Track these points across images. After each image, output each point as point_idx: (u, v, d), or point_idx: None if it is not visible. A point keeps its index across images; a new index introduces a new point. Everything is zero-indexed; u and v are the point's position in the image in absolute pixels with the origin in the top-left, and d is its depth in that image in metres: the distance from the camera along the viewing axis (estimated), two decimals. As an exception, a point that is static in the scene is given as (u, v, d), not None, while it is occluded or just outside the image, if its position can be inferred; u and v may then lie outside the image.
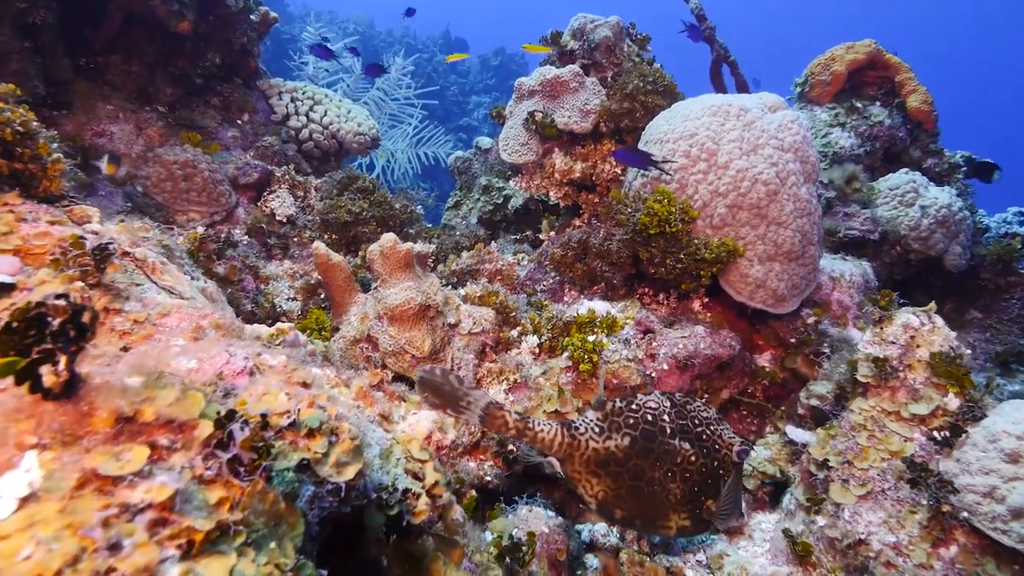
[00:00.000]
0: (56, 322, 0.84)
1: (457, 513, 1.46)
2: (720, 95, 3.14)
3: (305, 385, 1.21)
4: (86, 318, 0.87)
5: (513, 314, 2.84)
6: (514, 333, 2.81)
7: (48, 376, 0.84)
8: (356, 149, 4.97)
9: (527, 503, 2.14)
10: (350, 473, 1.07)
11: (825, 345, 2.96)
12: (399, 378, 2.53)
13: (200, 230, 3.48)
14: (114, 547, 0.74)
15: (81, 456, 0.82)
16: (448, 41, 17.94)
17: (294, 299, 3.45)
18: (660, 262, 2.83)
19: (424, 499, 1.33)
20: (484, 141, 5.56)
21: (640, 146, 3.16)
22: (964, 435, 2.04)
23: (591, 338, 2.62)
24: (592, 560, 2.18)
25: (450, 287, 3.00)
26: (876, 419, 2.22)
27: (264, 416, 1.00)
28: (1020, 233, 4.81)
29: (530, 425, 1.67)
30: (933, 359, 2.17)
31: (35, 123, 1.77)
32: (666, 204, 2.77)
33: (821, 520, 2.22)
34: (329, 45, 6.43)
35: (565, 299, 3.26)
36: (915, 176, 4.35)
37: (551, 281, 3.42)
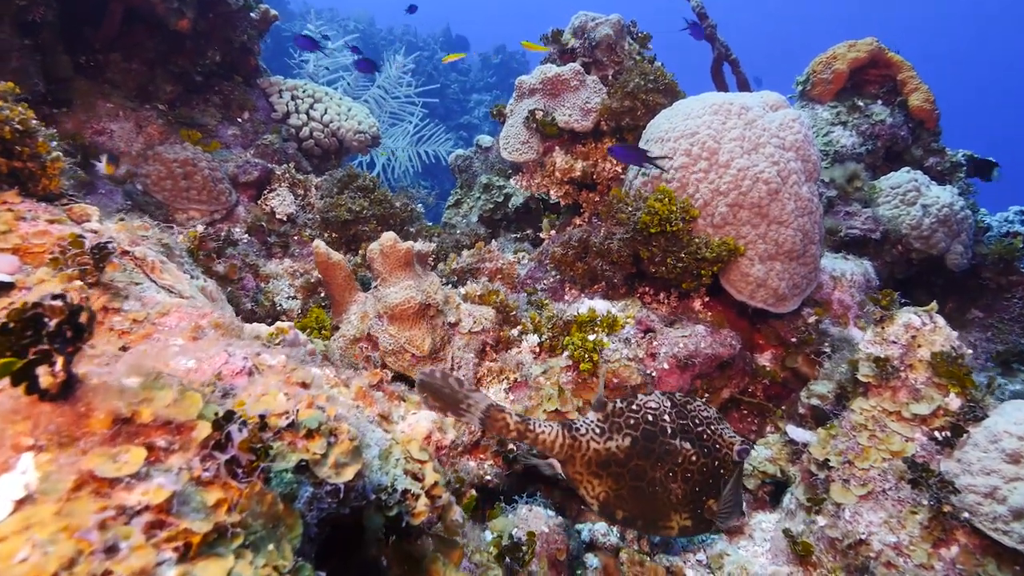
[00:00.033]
0: (53, 323, 0.83)
1: (456, 514, 1.46)
2: (721, 93, 3.13)
3: (304, 385, 1.20)
4: (83, 318, 0.86)
5: (513, 313, 2.84)
6: (514, 332, 2.80)
7: (45, 377, 0.84)
8: (356, 147, 4.96)
9: (527, 502, 2.14)
10: (349, 474, 1.06)
11: (826, 344, 2.96)
12: (399, 377, 2.53)
13: (200, 228, 3.47)
14: (111, 550, 0.73)
15: (78, 458, 0.81)
16: (449, 39, 17.92)
17: (294, 298, 3.45)
18: (661, 261, 2.82)
19: (423, 500, 1.33)
20: (485, 139, 5.55)
21: (641, 144, 3.15)
22: (965, 435, 2.03)
23: (591, 337, 2.61)
24: (592, 560, 2.18)
25: (450, 286, 2.99)
26: (877, 419, 2.22)
27: (263, 417, 1.00)
28: (1022, 232, 4.80)
29: (531, 427, 1.67)
30: (934, 359, 2.17)
31: (34, 121, 1.76)
32: (667, 203, 2.76)
33: (822, 520, 2.21)
34: (329, 43, 6.41)
35: (566, 298, 3.25)
36: (917, 175, 4.33)
37: (551, 280, 3.41)
